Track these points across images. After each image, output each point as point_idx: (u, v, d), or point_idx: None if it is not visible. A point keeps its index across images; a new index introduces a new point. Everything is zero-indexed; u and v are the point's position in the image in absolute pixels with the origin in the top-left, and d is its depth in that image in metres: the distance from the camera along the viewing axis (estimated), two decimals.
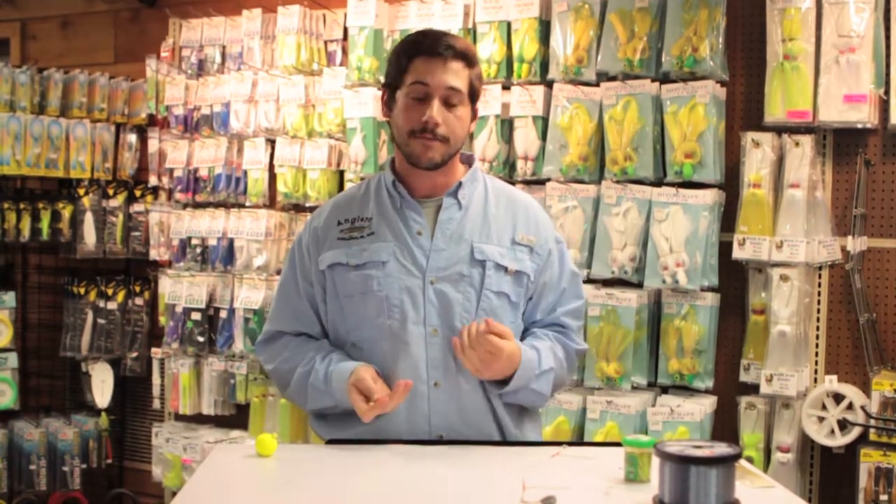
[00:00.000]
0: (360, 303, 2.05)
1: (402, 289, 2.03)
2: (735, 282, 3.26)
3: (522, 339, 2.12)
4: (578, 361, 2.27)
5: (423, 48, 2.03)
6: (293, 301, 2.15)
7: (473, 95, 2.08)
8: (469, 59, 2.05)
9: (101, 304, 4.49)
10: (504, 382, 2.03)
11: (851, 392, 3.01)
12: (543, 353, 2.06)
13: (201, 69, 4.32)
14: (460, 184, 2.10)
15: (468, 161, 2.17)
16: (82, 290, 4.49)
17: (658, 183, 3.25)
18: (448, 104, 2.02)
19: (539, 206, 2.22)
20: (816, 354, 3.15)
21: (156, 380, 4.43)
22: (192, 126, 4.31)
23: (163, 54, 4.46)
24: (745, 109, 3.28)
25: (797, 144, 3.08)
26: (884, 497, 2.90)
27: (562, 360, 2.12)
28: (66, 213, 4.44)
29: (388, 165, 2.17)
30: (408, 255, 2.05)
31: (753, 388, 3.16)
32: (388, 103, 2.10)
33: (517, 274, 2.08)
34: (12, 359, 4.22)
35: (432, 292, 2.03)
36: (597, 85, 3.33)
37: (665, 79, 3.24)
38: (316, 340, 2.14)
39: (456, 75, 2.02)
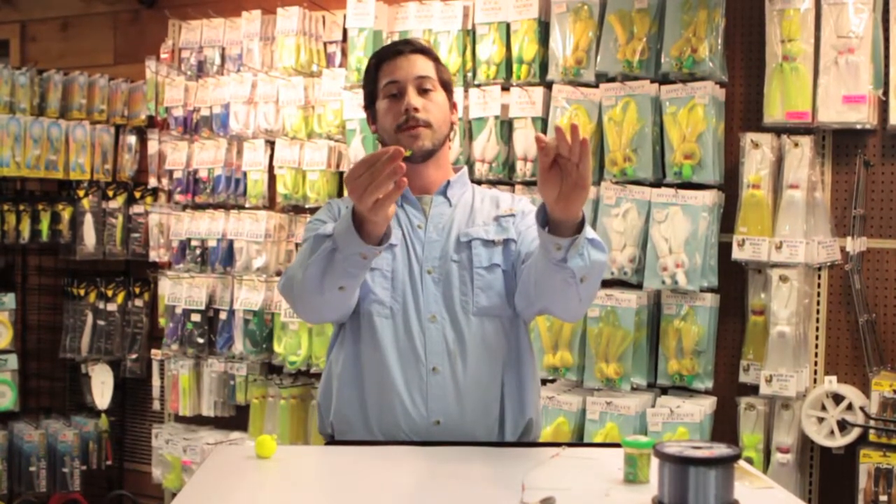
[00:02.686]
0: (367, 276, 2.07)
1: (405, 273, 2.11)
2: (734, 283, 3.26)
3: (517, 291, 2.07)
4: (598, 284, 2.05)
5: (385, 55, 2.20)
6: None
7: (445, 85, 2.20)
8: (429, 54, 2.21)
9: (101, 305, 4.49)
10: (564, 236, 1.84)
11: (851, 393, 3.02)
12: None
13: (201, 71, 4.32)
14: (448, 183, 2.20)
15: (457, 171, 2.26)
16: (82, 292, 4.49)
17: (657, 184, 3.25)
18: (422, 91, 2.14)
19: (526, 200, 2.28)
20: (816, 355, 3.15)
21: (155, 381, 4.43)
22: (191, 127, 4.31)
23: (162, 56, 4.46)
24: (744, 110, 3.28)
25: (796, 145, 3.08)
26: (883, 498, 2.90)
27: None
28: (66, 214, 4.44)
29: None
30: (411, 245, 2.13)
31: (753, 389, 3.16)
32: (373, 118, 2.23)
33: (506, 242, 2.14)
34: (12, 360, 4.22)
35: (430, 281, 2.10)
36: (596, 86, 3.34)
37: (664, 80, 3.25)
38: None
39: (421, 66, 2.16)
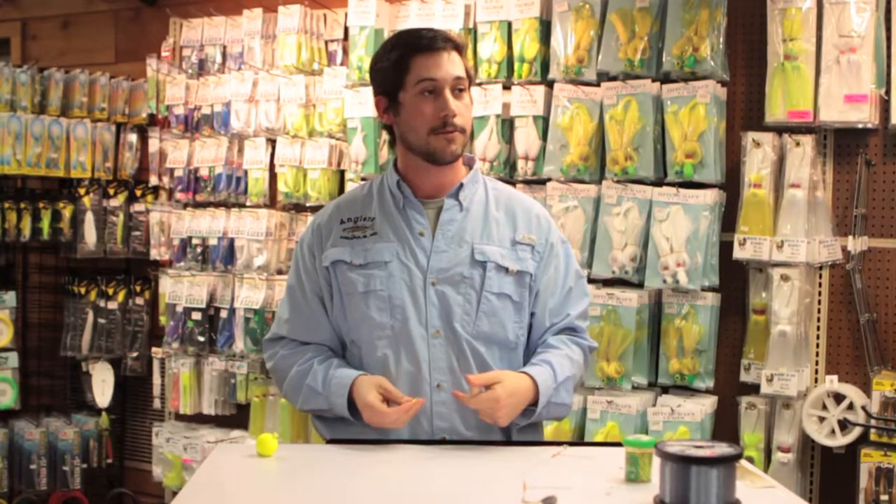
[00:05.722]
0: (361, 301, 2.05)
1: (404, 289, 2.04)
2: (735, 282, 3.26)
3: (531, 344, 2.13)
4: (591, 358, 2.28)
5: (421, 46, 2.05)
6: (300, 307, 2.14)
7: (471, 82, 2.13)
8: (462, 49, 2.10)
9: (102, 303, 4.49)
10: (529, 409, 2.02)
11: (852, 392, 3.01)
12: (556, 364, 2.05)
13: (202, 69, 4.32)
14: (461, 185, 2.11)
15: (469, 163, 2.17)
16: (83, 290, 4.49)
17: (659, 183, 3.25)
18: (456, 93, 2.05)
19: (540, 207, 2.22)
20: (817, 354, 3.15)
21: (156, 379, 4.44)
22: (192, 126, 4.31)
23: (163, 54, 4.46)
24: (745, 109, 3.27)
25: (798, 144, 3.08)
26: (884, 497, 2.90)
27: (579, 362, 2.12)
28: (67, 212, 4.44)
29: (390, 166, 2.17)
30: (410, 256, 2.05)
31: (754, 388, 3.16)
32: (390, 109, 2.10)
33: (519, 274, 2.08)
34: (13, 358, 4.22)
35: (433, 293, 2.03)
36: (597, 85, 3.33)
37: (666, 79, 3.24)
38: (317, 345, 2.14)
39: (457, 65, 2.06)
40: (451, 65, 2.04)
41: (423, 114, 2.03)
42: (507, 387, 1.95)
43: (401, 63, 2.05)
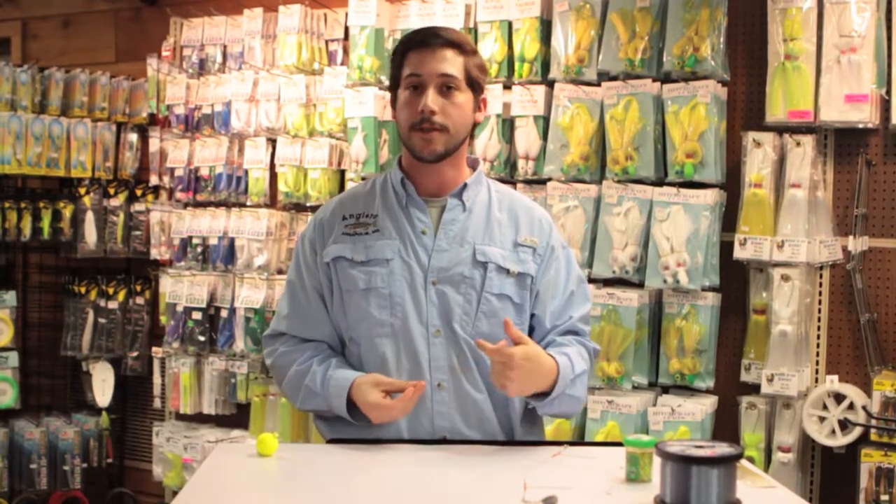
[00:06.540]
0: (362, 299, 2.04)
1: (404, 287, 2.03)
2: (736, 282, 3.26)
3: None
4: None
5: (414, 43, 2.07)
6: (300, 303, 2.14)
7: (473, 83, 2.07)
8: (461, 47, 2.06)
9: (102, 303, 4.49)
10: (544, 395, 2.00)
11: (852, 392, 3.01)
12: (573, 357, 2.04)
13: (202, 68, 4.32)
14: (465, 185, 2.11)
15: (473, 165, 2.17)
16: (83, 290, 4.49)
17: (659, 183, 3.25)
18: (444, 91, 2.02)
19: (542, 210, 2.22)
20: (817, 354, 3.15)
21: (156, 379, 4.44)
22: (193, 125, 4.31)
23: (164, 53, 4.46)
24: (746, 109, 3.27)
25: (798, 144, 3.08)
26: (884, 497, 2.90)
27: (588, 362, 2.12)
28: (67, 212, 4.44)
29: (395, 163, 2.17)
30: (412, 254, 2.05)
31: (754, 388, 3.16)
32: (394, 104, 2.13)
33: (520, 276, 2.08)
34: (13, 358, 4.22)
35: (433, 293, 2.03)
36: (598, 84, 3.33)
37: (666, 78, 3.24)
38: (316, 342, 2.14)
39: (448, 62, 2.03)
40: (439, 61, 2.02)
41: (406, 109, 2.05)
42: (527, 350, 1.91)
43: (398, 59, 2.08)
